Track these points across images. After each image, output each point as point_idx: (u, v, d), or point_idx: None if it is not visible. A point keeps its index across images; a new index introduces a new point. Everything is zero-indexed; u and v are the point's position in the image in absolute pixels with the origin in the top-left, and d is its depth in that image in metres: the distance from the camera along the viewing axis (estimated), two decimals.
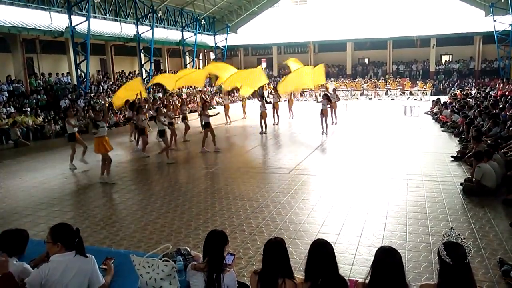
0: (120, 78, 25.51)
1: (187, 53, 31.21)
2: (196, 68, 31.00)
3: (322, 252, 2.72)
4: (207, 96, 26.94)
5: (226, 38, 33.38)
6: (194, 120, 17.45)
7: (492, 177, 6.95)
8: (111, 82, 23.94)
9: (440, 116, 16.15)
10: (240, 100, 21.51)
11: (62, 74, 21.49)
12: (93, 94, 20.57)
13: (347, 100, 26.73)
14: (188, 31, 29.49)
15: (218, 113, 13.83)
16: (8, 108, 16.28)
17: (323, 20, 32.73)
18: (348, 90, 29.18)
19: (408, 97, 27.35)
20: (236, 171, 9.61)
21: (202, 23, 30.73)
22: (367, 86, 29.60)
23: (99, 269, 3.07)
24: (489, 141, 8.98)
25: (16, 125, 14.69)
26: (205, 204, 7.09)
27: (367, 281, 2.63)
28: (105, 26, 23.02)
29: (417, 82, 28.83)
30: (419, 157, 10.23)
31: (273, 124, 16.79)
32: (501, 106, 13.83)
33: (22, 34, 18.16)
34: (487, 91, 21.66)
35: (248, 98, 21.61)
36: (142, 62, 25.47)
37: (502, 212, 6.21)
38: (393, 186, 7.76)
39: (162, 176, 9.37)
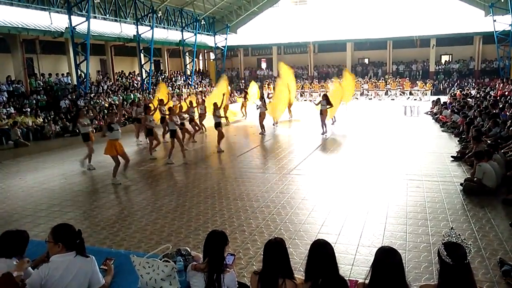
0: (120, 78, 25.52)
1: (187, 54, 31.20)
2: (196, 68, 31.04)
3: (322, 252, 2.72)
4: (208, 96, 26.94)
5: (226, 38, 33.36)
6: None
7: (492, 176, 6.96)
8: (111, 83, 23.94)
9: (440, 116, 16.15)
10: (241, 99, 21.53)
11: (62, 74, 21.48)
12: (93, 95, 20.58)
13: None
14: (188, 31, 29.48)
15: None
16: (8, 109, 16.28)
17: (323, 20, 32.72)
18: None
19: (408, 97, 27.37)
20: (236, 172, 9.61)
21: (202, 23, 30.72)
22: (367, 86, 29.59)
23: (99, 269, 3.07)
24: (489, 141, 8.98)
25: (16, 125, 14.70)
26: (205, 204, 7.09)
27: (367, 281, 2.63)
28: (105, 27, 23.01)
29: (417, 82, 28.84)
30: (419, 157, 10.23)
31: (273, 125, 16.80)
32: (501, 106, 13.83)
33: (22, 35, 18.15)
34: (487, 91, 21.67)
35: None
36: (142, 63, 25.46)
37: (502, 212, 6.22)
38: (393, 186, 7.76)
39: (162, 177, 9.36)
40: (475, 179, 7.11)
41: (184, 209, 6.86)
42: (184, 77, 30.67)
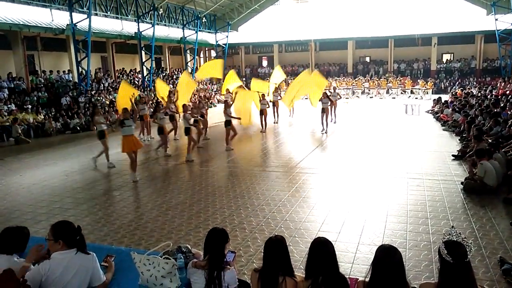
0: (121, 75, 25.52)
1: (188, 51, 31.16)
2: (197, 66, 31.02)
3: (322, 250, 2.72)
4: (210, 94, 26.99)
5: (227, 36, 33.31)
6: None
7: (493, 175, 6.96)
8: (111, 80, 23.94)
9: (441, 115, 16.13)
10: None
11: (63, 71, 21.48)
12: (94, 92, 20.58)
13: (348, 98, 26.72)
14: (189, 29, 29.44)
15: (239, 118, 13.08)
16: (9, 106, 16.28)
17: (324, 18, 32.64)
18: (349, 89, 29.15)
19: (409, 96, 27.32)
20: (236, 169, 9.61)
21: (203, 21, 30.67)
22: (368, 84, 29.55)
23: (100, 266, 3.08)
24: (490, 140, 8.97)
25: (17, 122, 14.71)
26: (206, 202, 7.10)
27: (367, 279, 2.63)
28: (106, 24, 22.99)
29: (418, 80, 28.77)
30: (420, 155, 10.23)
31: (274, 122, 16.80)
32: (502, 105, 13.81)
33: (23, 31, 18.14)
34: (488, 90, 21.63)
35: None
36: (143, 60, 25.44)
37: (503, 211, 6.21)
38: (394, 185, 7.76)
39: (162, 174, 9.37)
40: (476, 177, 7.10)
41: (185, 207, 6.87)
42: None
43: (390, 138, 12.95)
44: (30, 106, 17.06)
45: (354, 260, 4.75)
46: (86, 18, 19.33)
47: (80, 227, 3.03)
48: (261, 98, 15.46)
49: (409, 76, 30.20)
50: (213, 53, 35.99)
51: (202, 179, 8.72)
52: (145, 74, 25.48)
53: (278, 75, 20.24)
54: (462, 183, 7.41)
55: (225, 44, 33.83)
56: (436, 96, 21.49)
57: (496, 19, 25.66)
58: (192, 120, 10.93)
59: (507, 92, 19.60)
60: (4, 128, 14.82)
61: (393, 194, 7.20)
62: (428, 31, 29.61)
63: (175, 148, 12.61)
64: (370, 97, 28.13)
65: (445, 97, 21.49)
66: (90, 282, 2.96)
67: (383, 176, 8.39)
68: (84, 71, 20.60)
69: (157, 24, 25.59)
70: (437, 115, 16.84)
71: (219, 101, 26.45)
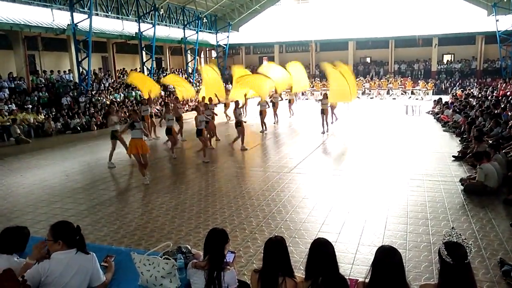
0: (121, 75, 25.53)
1: (188, 51, 31.18)
2: (198, 65, 31.04)
3: (322, 251, 2.72)
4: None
5: (228, 37, 33.33)
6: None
7: (494, 177, 6.95)
8: (112, 80, 23.95)
9: (442, 116, 16.12)
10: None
11: (64, 71, 21.49)
12: (94, 92, 20.59)
13: None
14: (190, 29, 29.46)
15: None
16: (9, 105, 16.29)
17: (325, 19, 32.66)
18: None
19: (410, 97, 27.32)
20: (236, 170, 9.61)
21: (204, 21, 30.68)
22: (369, 85, 29.55)
23: (100, 266, 3.08)
24: (490, 141, 8.96)
25: (15, 122, 14.70)
26: (206, 202, 7.10)
27: (367, 280, 2.63)
28: (107, 24, 23.01)
29: (419, 81, 28.78)
30: (420, 156, 10.22)
31: (273, 123, 16.80)
32: (502, 106, 13.80)
33: (24, 31, 18.16)
34: (489, 91, 21.62)
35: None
36: (144, 60, 25.47)
37: (503, 212, 6.21)
38: (394, 186, 7.76)
39: (162, 175, 9.37)
40: (477, 181, 7.08)
41: (185, 207, 6.87)
42: (185, 75, 30.64)
43: (391, 139, 12.94)
44: (30, 106, 17.07)
45: (354, 261, 4.75)
46: (87, 18, 19.35)
47: (80, 227, 3.03)
48: (261, 99, 15.44)
49: (409, 77, 30.22)
50: (214, 54, 36.00)
51: (202, 180, 8.72)
52: (145, 75, 25.46)
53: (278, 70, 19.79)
54: (462, 184, 7.40)
55: (225, 45, 33.84)
56: (436, 97, 21.49)
57: (497, 20, 25.67)
58: (203, 122, 10.73)
59: (508, 93, 19.58)
60: (4, 128, 14.83)
61: (393, 195, 7.19)
62: (428, 31, 29.62)
63: (179, 151, 12.60)
64: (371, 98, 28.13)
65: (445, 98, 21.47)
66: (90, 282, 2.96)
67: (383, 177, 8.39)
68: (84, 71, 20.62)
69: (158, 24, 25.61)
70: (438, 116, 16.84)
71: (219, 101, 26.40)
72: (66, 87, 20.11)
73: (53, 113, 17.29)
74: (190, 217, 6.39)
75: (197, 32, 29.30)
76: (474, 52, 30.54)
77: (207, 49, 36.45)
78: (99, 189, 8.25)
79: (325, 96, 14.67)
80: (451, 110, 16.07)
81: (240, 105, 12.12)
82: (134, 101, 21.78)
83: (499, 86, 23.05)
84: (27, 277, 2.77)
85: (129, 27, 24.56)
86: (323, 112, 14.23)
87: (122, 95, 22.10)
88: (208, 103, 13.93)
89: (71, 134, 16.40)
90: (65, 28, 19.31)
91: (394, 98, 27.36)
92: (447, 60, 31.82)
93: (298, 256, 4.80)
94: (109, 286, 3.08)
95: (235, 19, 34.34)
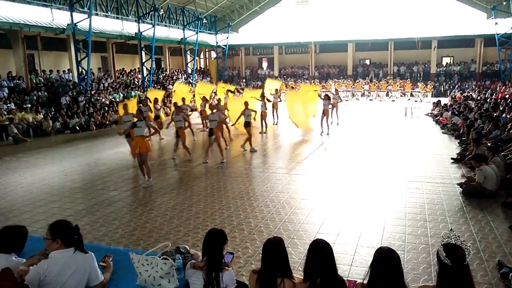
0: (120, 75, 25.53)
1: (188, 52, 31.19)
2: (198, 67, 31.05)
3: (321, 252, 2.73)
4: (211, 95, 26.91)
5: (227, 37, 33.34)
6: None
7: (493, 179, 6.96)
8: (111, 80, 23.94)
9: (441, 118, 16.15)
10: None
11: (63, 71, 21.47)
12: (93, 92, 20.59)
13: (348, 101, 26.73)
14: (190, 29, 29.47)
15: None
16: (8, 105, 16.27)
17: (325, 21, 32.73)
18: (349, 91, 29.19)
19: (409, 99, 27.35)
20: (235, 170, 9.61)
21: (203, 21, 30.69)
22: (368, 87, 29.59)
23: (98, 266, 3.07)
24: (489, 144, 8.98)
25: (12, 122, 14.67)
26: (205, 203, 7.10)
27: (365, 281, 2.63)
28: (106, 24, 23.00)
29: (418, 84, 28.84)
30: (419, 158, 10.23)
31: (273, 124, 16.80)
32: (501, 108, 13.83)
33: (24, 31, 18.13)
34: (487, 93, 21.66)
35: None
36: (143, 60, 25.46)
37: (501, 214, 6.21)
38: (393, 188, 7.76)
39: (161, 175, 9.36)
40: (476, 183, 7.09)
41: (184, 207, 6.87)
42: (185, 76, 30.67)
43: (390, 140, 12.95)
44: (29, 106, 17.05)
45: (352, 262, 4.75)
46: (86, 18, 19.34)
47: (78, 226, 3.03)
48: (262, 100, 15.43)
49: (408, 79, 30.27)
50: (213, 54, 36.02)
51: (201, 180, 8.72)
52: (145, 75, 25.48)
53: (271, 85, 20.14)
54: (460, 186, 7.40)
55: (225, 45, 33.85)
56: (435, 99, 21.53)
57: (496, 23, 25.75)
58: (215, 122, 10.54)
59: (507, 95, 19.63)
60: (3, 127, 14.81)
61: (392, 196, 7.20)
62: (428, 34, 29.66)
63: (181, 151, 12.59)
64: (370, 100, 28.16)
65: (444, 100, 21.54)
66: (88, 282, 2.96)
67: (382, 179, 8.39)
68: (84, 71, 20.61)
69: (158, 24, 25.61)
70: (437, 118, 16.86)
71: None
72: (65, 87, 20.09)
73: (52, 113, 17.27)
74: (189, 217, 6.38)
75: (196, 33, 29.32)
76: (473, 54, 30.61)
77: (207, 50, 36.47)
78: (97, 189, 8.24)
79: (326, 97, 14.68)
80: (450, 112, 16.09)
81: (247, 107, 11.99)
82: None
83: (498, 88, 23.11)
84: (26, 278, 2.77)
85: (128, 27, 24.55)
86: (324, 113, 14.23)
87: (121, 95, 22.10)
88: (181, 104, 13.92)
89: (70, 133, 16.39)
90: (65, 27, 19.30)
91: (393, 100, 27.39)
92: (446, 63, 31.89)
93: (297, 257, 4.80)
94: (107, 286, 3.08)
95: (234, 20, 34.37)
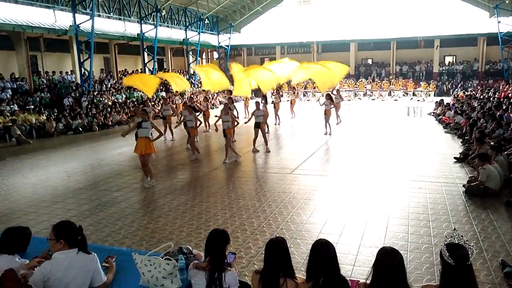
0: (123, 76, 25.56)
1: (190, 52, 31.22)
2: (199, 64, 31.05)
3: (323, 252, 2.72)
4: (212, 95, 26.98)
5: (229, 38, 33.35)
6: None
7: (496, 179, 6.94)
8: (114, 81, 24.00)
9: (443, 117, 16.10)
10: (243, 100, 21.46)
11: (66, 72, 21.55)
12: (96, 93, 20.64)
13: (350, 100, 26.69)
14: (192, 30, 29.51)
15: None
16: (11, 106, 16.33)
17: (327, 20, 32.66)
18: (351, 91, 29.14)
19: (411, 98, 27.30)
20: (238, 171, 9.61)
21: (205, 22, 30.72)
22: (370, 86, 29.53)
23: (101, 266, 3.08)
24: (492, 143, 8.94)
25: (15, 123, 14.72)
26: (207, 203, 7.10)
27: (368, 281, 2.63)
28: (109, 25, 23.06)
29: (421, 83, 28.75)
30: (422, 158, 10.21)
31: (275, 124, 16.79)
32: (504, 107, 13.77)
33: (26, 32, 18.21)
34: (490, 92, 21.59)
35: (251, 98, 21.65)
36: (146, 61, 25.51)
37: (505, 214, 6.19)
38: (396, 187, 7.75)
39: (163, 175, 9.38)
40: (479, 181, 7.07)
41: (186, 208, 6.87)
42: (187, 76, 30.68)
43: (392, 140, 12.93)
44: (32, 107, 17.11)
45: (355, 262, 4.74)
46: (89, 19, 19.40)
47: (82, 227, 3.04)
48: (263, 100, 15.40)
49: (411, 78, 30.19)
50: (216, 55, 36.05)
51: (203, 181, 8.72)
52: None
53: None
54: (464, 185, 7.39)
55: (227, 46, 33.87)
56: (438, 99, 21.46)
57: (499, 22, 25.64)
58: (228, 122, 10.51)
59: (510, 94, 19.54)
60: (6, 128, 14.87)
61: (395, 196, 7.18)
62: (430, 33, 29.58)
63: (182, 151, 12.61)
64: (372, 99, 28.11)
65: (447, 100, 21.45)
66: (91, 282, 2.97)
67: (385, 178, 8.38)
68: (86, 72, 20.67)
69: (160, 25, 25.65)
70: (439, 117, 16.82)
71: (221, 103, 26.47)
72: (68, 88, 20.16)
73: (55, 114, 17.32)
74: (192, 218, 6.39)
75: (198, 33, 29.35)
76: (476, 53, 30.51)
77: (209, 50, 36.49)
78: (100, 189, 8.26)
79: (328, 97, 14.65)
80: (452, 111, 16.04)
81: (261, 107, 11.91)
82: (136, 102, 21.82)
83: (501, 87, 23.02)
84: (30, 280, 2.78)
85: (131, 28, 24.61)
86: (326, 113, 14.20)
87: (124, 96, 22.15)
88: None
89: (72, 134, 16.44)
90: (67, 29, 19.37)
91: (396, 100, 27.34)
92: (449, 62, 31.80)
93: (299, 257, 4.80)
94: (110, 286, 3.09)
95: (236, 21, 34.37)
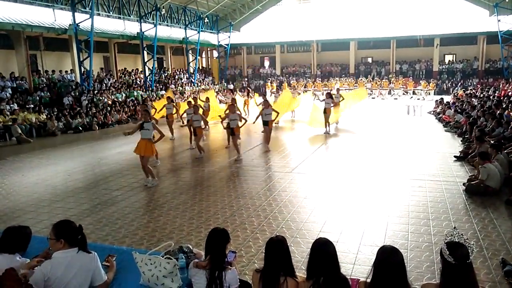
0: (123, 75, 25.57)
1: (190, 51, 31.21)
2: (199, 66, 31.05)
3: (324, 250, 2.72)
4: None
5: (229, 37, 33.33)
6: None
7: (496, 177, 6.94)
8: (114, 80, 23.98)
9: (443, 116, 16.11)
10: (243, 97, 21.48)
11: (66, 71, 21.52)
12: (96, 92, 20.63)
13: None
14: (191, 29, 29.50)
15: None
16: (11, 105, 16.33)
17: (327, 19, 32.66)
18: (351, 89, 29.10)
19: (411, 97, 27.31)
20: (238, 170, 9.61)
21: (205, 21, 30.70)
22: (370, 85, 29.53)
23: (102, 266, 3.08)
24: (492, 141, 8.95)
25: (16, 122, 14.72)
26: (207, 202, 7.10)
27: (368, 280, 2.63)
28: (108, 24, 23.05)
29: (420, 81, 28.77)
30: (422, 157, 10.21)
31: (274, 123, 16.75)
32: (504, 106, 13.77)
33: (26, 31, 18.19)
34: (490, 91, 21.59)
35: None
36: (145, 60, 25.49)
37: (505, 212, 6.20)
38: (396, 186, 7.75)
39: (163, 175, 9.38)
40: (479, 180, 7.07)
41: (187, 207, 6.87)
42: (187, 75, 30.69)
43: (392, 139, 12.93)
44: (32, 106, 17.10)
45: (355, 261, 4.74)
46: (88, 18, 19.38)
47: (82, 226, 3.04)
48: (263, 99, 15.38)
49: (411, 77, 30.19)
50: (215, 54, 36.03)
51: (203, 180, 8.72)
52: (147, 74, 25.52)
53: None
54: (464, 184, 7.39)
55: (227, 45, 33.85)
56: (438, 97, 21.47)
57: (499, 20, 25.63)
58: (235, 121, 10.52)
59: (510, 93, 19.54)
60: (6, 127, 14.86)
61: (395, 195, 7.19)
62: (430, 32, 29.59)
63: (182, 150, 12.61)
64: (372, 98, 28.10)
65: (447, 98, 21.46)
66: (91, 282, 2.97)
67: (385, 177, 8.37)
68: (86, 71, 20.65)
69: (159, 24, 25.63)
70: (439, 116, 16.82)
71: (220, 102, 26.46)
72: (68, 87, 20.14)
73: (55, 113, 17.31)
74: (192, 217, 6.39)
75: (198, 32, 29.33)
76: (475, 52, 30.50)
77: (209, 49, 36.47)
78: (100, 188, 8.26)
79: (328, 96, 14.64)
80: (452, 110, 16.06)
81: (267, 106, 11.90)
82: (135, 101, 21.82)
83: (501, 86, 23.03)
84: (31, 280, 2.78)
85: (130, 27, 24.59)
86: (326, 111, 14.20)
87: (123, 95, 22.14)
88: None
89: (72, 134, 16.43)
90: (67, 28, 19.35)
91: (396, 98, 27.35)
92: (449, 60, 31.79)
93: (300, 256, 4.80)
94: (111, 285, 3.09)
95: (236, 19, 34.36)
